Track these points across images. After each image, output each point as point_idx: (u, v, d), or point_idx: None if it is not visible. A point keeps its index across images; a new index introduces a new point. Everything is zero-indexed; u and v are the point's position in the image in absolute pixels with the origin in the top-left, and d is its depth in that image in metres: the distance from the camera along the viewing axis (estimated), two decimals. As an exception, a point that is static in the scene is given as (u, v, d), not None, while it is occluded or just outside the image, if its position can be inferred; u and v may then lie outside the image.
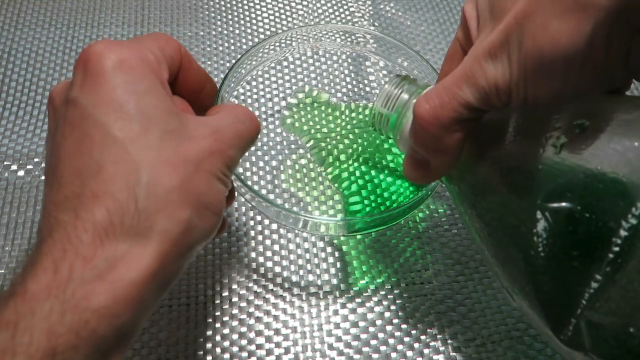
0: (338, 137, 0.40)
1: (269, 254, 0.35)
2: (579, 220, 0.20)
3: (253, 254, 0.35)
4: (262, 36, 0.48)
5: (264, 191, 0.38)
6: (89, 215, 0.21)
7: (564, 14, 0.19)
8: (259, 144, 0.40)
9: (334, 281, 0.34)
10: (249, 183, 0.38)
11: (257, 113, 0.41)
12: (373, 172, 0.39)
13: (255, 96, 0.43)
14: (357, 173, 0.38)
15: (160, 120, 0.23)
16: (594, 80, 0.21)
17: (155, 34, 0.26)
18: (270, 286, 0.34)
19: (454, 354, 0.32)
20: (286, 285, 0.34)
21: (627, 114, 0.20)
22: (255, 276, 0.34)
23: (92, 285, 0.20)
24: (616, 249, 0.19)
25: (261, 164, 0.39)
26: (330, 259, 0.35)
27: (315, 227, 0.34)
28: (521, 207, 0.22)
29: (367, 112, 0.42)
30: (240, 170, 0.39)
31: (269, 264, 0.35)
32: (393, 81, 0.28)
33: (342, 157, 0.39)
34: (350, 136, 0.40)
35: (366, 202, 0.38)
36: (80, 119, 0.23)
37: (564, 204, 0.20)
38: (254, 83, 0.44)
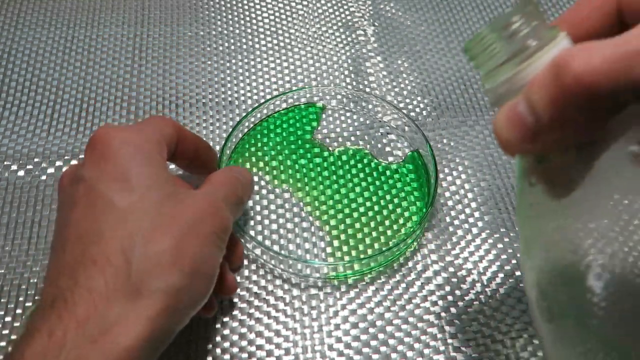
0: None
1: (268, 254, 0.35)
2: None
3: (252, 255, 0.35)
4: (262, 36, 0.48)
5: (264, 191, 0.38)
6: (87, 281, 0.22)
7: None
8: (259, 144, 0.40)
9: (334, 282, 0.34)
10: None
11: (258, 115, 0.41)
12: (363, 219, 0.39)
13: (255, 97, 0.43)
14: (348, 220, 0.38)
15: (157, 188, 0.25)
16: None
17: (153, 118, 0.29)
18: (270, 287, 0.34)
19: (454, 354, 0.32)
20: (286, 286, 0.34)
21: None
22: (255, 277, 0.34)
23: (86, 349, 0.20)
24: None
25: (261, 164, 0.39)
26: (331, 260, 0.35)
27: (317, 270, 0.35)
28: (607, 248, 0.17)
29: (344, 157, 0.42)
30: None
31: (269, 264, 0.35)
32: (521, 9, 0.21)
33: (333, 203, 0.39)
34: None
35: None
36: (86, 192, 0.25)
37: None
38: (254, 84, 0.44)
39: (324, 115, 0.42)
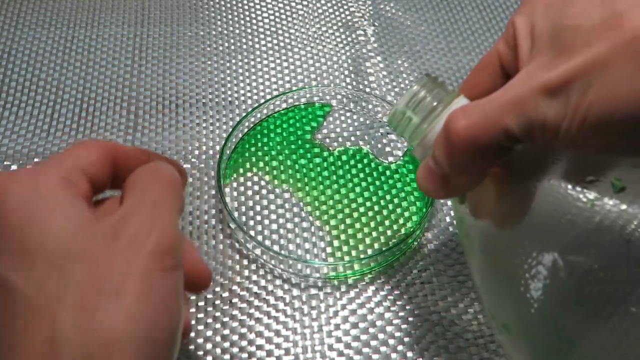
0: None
1: (269, 254, 0.35)
2: (593, 278, 0.19)
3: (252, 255, 0.35)
4: (262, 36, 0.48)
5: (264, 191, 0.38)
6: None
7: None
8: (259, 144, 0.40)
9: (334, 282, 0.34)
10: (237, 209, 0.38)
11: (258, 115, 0.41)
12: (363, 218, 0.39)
13: (255, 97, 0.43)
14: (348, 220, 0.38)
15: (67, 252, 0.20)
16: None
17: (69, 149, 0.23)
18: (270, 287, 0.34)
19: (455, 354, 0.32)
20: (286, 286, 0.34)
21: None
22: (255, 277, 0.34)
23: None
24: (623, 313, 0.19)
25: (261, 164, 0.39)
26: (331, 260, 0.35)
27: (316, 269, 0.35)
28: (535, 250, 0.21)
29: (344, 157, 0.42)
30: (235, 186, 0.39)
31: (269, 264, 0.35)
32: (422, 81, 0.26)
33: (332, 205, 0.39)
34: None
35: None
36: None
37: (583, 259, 0.20)
38: (254, 84, 0.44)
39: (324, 115, 0.42)
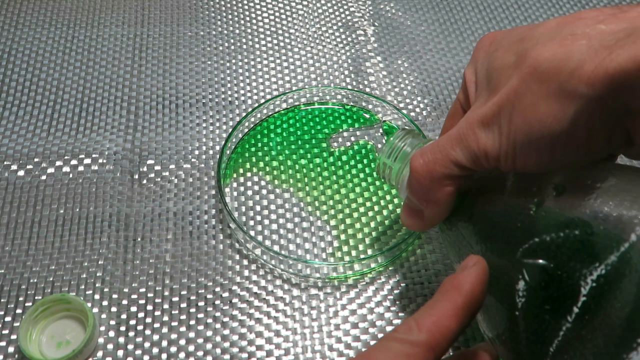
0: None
1: (269, 254, 0.35)
2: (552, 276, 0.21)
3: (252, 255, 0.35)
4: (262, 36, 0.48)
5: (264, 191, 0.38)
6: None
7: (550, 98, 0.21)
8: (259, 144, 0.40)
9: (334, 282, 0.34)
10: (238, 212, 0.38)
11: (258, 115, 0.41)
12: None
13: (255, 97, 0.43)
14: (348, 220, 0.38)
15: None
16: (578, 156, 0.22)
17: None
18: (270, 287, 0.34)
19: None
20: (286, 287, 0.34)
21: (602, 182, 0.22)
22: (255, 277, 0.34)
23: None
24: (583, 305, 0.20)
25: (261, 164, 0.39)
26: (331, 260, 0.35)
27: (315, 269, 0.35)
28: (501, 261, 0.23)
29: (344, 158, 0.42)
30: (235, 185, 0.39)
31: (269, 265, 0.35)
32: (398, 134, 0.30)
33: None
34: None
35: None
36: None
37: (539, 260, 0.21)
38: (254, 84, 0.44)
39: (324, 115, 0.42)
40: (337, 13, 0.50)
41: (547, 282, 0.21)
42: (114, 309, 0.33)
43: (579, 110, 0.20)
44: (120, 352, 0.31)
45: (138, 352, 0.32)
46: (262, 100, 0.43)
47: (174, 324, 0.33)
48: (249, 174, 0.39)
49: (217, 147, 0.40)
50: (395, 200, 0.38)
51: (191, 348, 0.32)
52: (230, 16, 0.49)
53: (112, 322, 0.32)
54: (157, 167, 0.39)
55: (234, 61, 0.46)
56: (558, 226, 0.22)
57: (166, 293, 0.34)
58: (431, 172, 0.25)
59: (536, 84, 0.21)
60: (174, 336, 0.32)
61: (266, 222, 0.37)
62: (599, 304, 0.19)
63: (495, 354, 0.24)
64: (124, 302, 0.33)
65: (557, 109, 0.21)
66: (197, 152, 0.40)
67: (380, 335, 0.32)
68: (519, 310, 0.22)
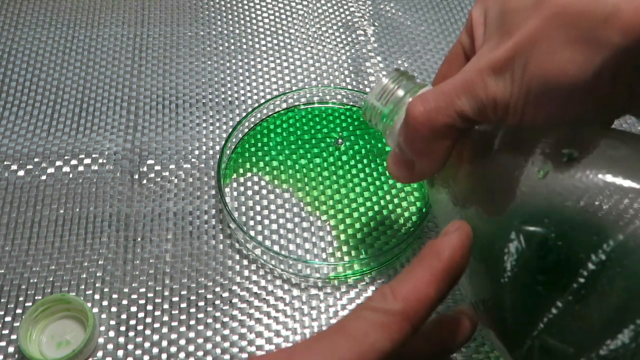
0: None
1: (269, 254, 0.35)
2: (552, 247, 0.20)
3: (252, 255, 0.35)
4: (262, 36, 0.48)
5: (264, 191, 0.38)
6: None
7: (574, 44, 0.19)
8: (259, 144, 0.40)
9: (334, 283, 0.34)
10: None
11: (258, 115, 0.41)
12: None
13: (255, 97, 0.43)
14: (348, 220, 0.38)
15: None
16: (594, 112, 0.21)
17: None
18: (270, 287, 0.34)
19: (455, 354, 0.32)
20: (286, 287, 0.34)
21: (615, 151, 0.21)
22: (255, 277, 0.34)
23: None
24: (581, 280, 0.19)
25: (261, 164, 0.39)
26: (331, 260, 0.35)
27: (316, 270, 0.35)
28: (497, 225, 0.22)
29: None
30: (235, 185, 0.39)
31: (269, 265, 0.35)
32: (391, 75, 0.27)
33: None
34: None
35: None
36: None
37: (540, 229, 0.20)
38: (254, 84, 0.44)
39: (323, 115, 0.42)
40: (337, 13, 0.50)
41: (548, 252, 0.20)
42: (114, 309, 0.33)
43: (605, 60, 0.19)
44: (120, 352, 0.31)
45: (138, 352, 0.32)
46: (262, 100, 0.43)
47: (174, 324, 0.33)
48: (249, 174, 0.39)
49: (217, 147, 0.40)
50: (395, 200, 0.38)
51: (191, 348, 0.32)
52: (230, 16, 0.49)
53: (112, 322, 0.32)
54: (157, 167, 0.39)
55: (234, 61, 0.46)
56: (565, 195, 0.20)
57: (166, 293, 0.34)
58: (432, 121, 0.23)
59: (559, 28, 0.19)
60: (174, 336, 0.32)
61: (266, 222, 0.37)
62: (600, 280, 0.19)
63: (476, 320, 0.23)
64: (124, 302, 0.33)
65: (581, 58, 0.19)
66: (197, 152, 0.40)
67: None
68: (509, 279, 0.21)
